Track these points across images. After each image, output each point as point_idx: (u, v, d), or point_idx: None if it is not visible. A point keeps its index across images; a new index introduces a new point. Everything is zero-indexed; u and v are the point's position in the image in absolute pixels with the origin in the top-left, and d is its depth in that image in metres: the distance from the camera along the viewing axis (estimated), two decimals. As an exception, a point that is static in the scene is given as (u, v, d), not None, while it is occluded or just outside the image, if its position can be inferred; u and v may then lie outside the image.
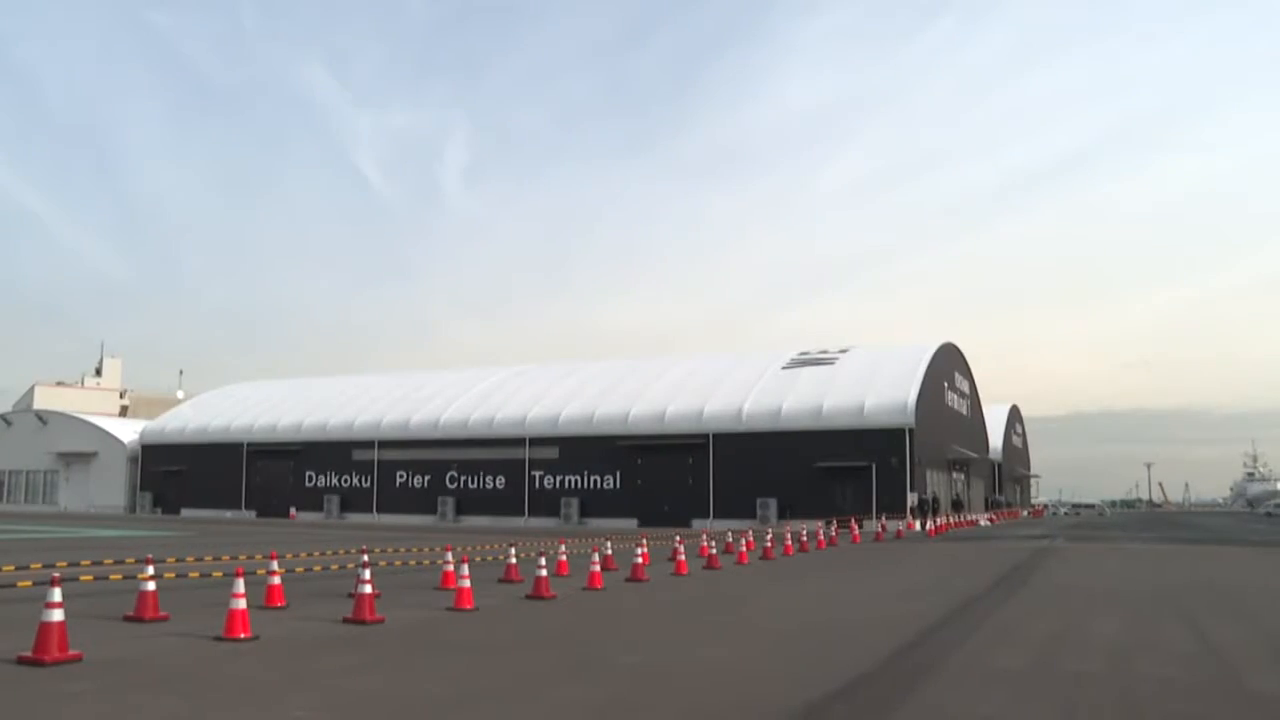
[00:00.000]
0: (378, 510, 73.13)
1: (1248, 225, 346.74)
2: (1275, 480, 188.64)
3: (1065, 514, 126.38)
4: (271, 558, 14.66)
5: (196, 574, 17.07)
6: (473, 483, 71.75)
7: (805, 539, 32.69)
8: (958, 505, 71.37)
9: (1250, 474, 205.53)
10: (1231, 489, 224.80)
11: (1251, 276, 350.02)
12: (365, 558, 13.60)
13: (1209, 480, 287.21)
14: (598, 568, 17.85)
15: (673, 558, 21.79)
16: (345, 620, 12.31)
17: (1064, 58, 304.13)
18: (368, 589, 12.55)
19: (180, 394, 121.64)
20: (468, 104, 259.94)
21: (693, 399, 67.71)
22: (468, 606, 13.85)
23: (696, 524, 57.96)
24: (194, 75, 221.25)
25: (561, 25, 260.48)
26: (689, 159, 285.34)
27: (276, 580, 13.92)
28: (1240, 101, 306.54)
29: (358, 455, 75.48)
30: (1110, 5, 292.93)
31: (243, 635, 10.73)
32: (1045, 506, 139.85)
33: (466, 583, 14.19)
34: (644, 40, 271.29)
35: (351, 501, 74.47)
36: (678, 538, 24.22)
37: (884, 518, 50.50)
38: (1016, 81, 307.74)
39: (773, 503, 60.61)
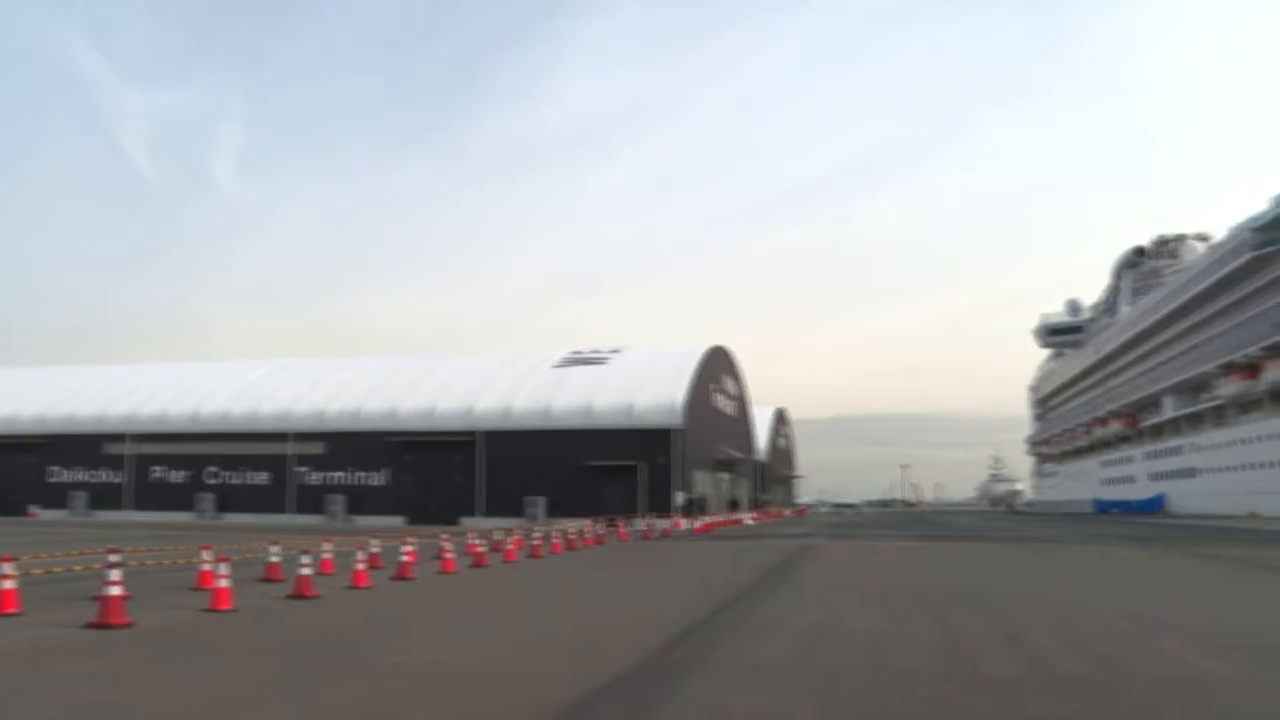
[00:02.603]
0: (131, 507, 69.55)
1: (994, 245, 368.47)
2: (1016, 481, 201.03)
3: (827, 513, 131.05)
4: (3, 560, 13.56)
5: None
6: (235, 478, 69.23)
7: (573, 537, 32.84)
8: (734, 504, 73.11)
9: (994, 475, 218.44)
10: (978, 489, 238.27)
11: (995, 293, 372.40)
12: (113, 557, 12.79)
13: (958, 481, 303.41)
14: (363, 566, 17.47)
15: (440, 556, 21.53)
16: (89, 625, 11.61)
17: (841, 76, 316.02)
18: (115, 590, 11.86)
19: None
20: (245, 87, 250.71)
21: (463, 396, 67.17)
22: (225, 607, 13.32)
23: (466, 522, 57.49)
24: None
25: (348, 12, 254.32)
26: (471, 156, 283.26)
27: (9, 584, 12.99)
28: (993, 130, 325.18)
29: (109, 449, 71.58)
30: (887, 31, 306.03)
31: (-31, 644, 9.99)
32: (808, 506, 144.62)
33: (225, 583, 13.63)
34: (432, 33, 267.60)
35: (102, 498, 70.47)
36: (445, 536, 23.93)
37: (652, 516, 51.19)
38: (794, 95, 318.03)
39: (542, 501, 60.71)
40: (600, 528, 38.96)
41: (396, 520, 61.12)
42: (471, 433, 64.65)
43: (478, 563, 22.89)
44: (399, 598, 15.86)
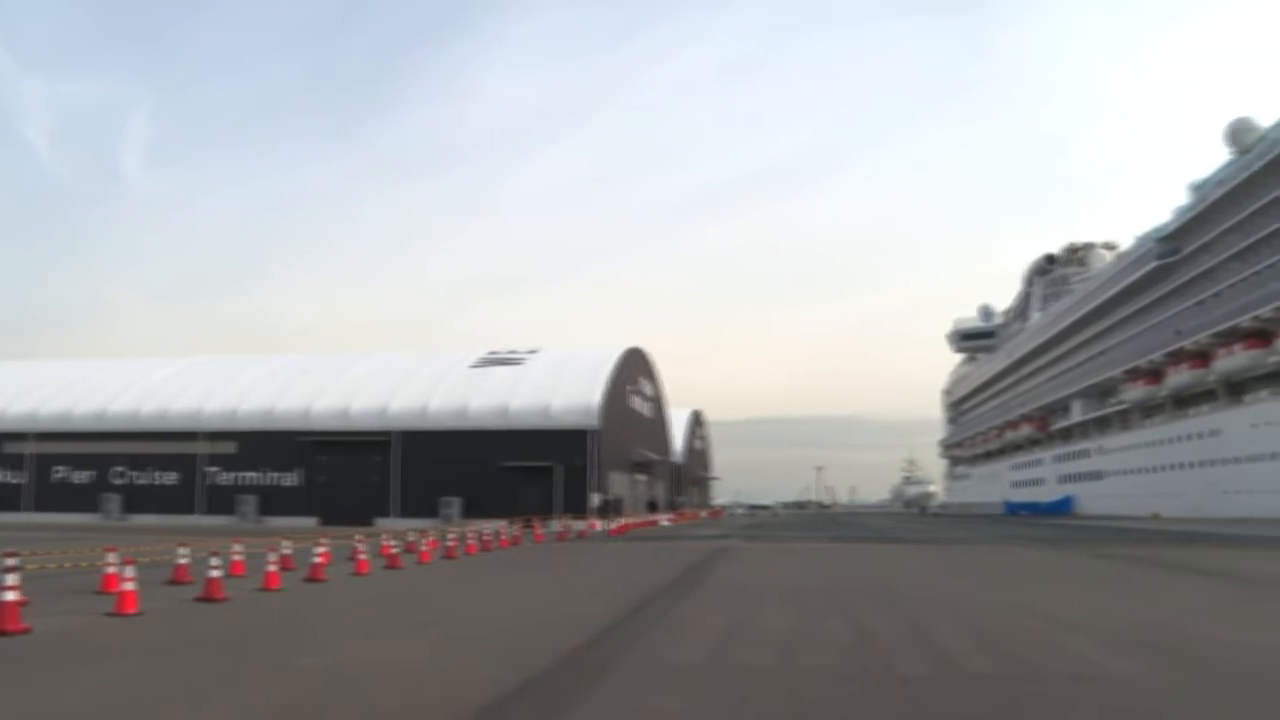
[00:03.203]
0: (31, 509, 67.74)
1: (909, 251, 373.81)
2: (929, 483, 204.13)
3: (742, 514, 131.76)
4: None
5: None
6: (142, 479, 67.80)
7: (488, 538, 32.67)
8: (652, 506, 73.23)
9: (908, 477, 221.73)
10: (891, 491, 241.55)
11: (910, 297, 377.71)
12: (10, 560, 12.35)
13: (873, 483, 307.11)
14: (274, 568, 17.19)
15: (353, 557, 21.27)
16: (-16, 630, 11.28)
17: (760, 79, 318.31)
18: (11, 596, 11.49)
19: None
20: (156, 78, 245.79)
21: (379, 395, 66.59)
22: (130, 611, 13.01)
23: (380, 523, 56.93)
24: None
25: (265, 2, 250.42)
26: (390, 152, 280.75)
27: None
28: (908, 136, 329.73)
29: (9, 448, 69.70)
30: (806, 37, 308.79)
31: None
32: (724, 507, 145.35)
33: (130, 586, 13.32)
34: (352, 25, 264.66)
35: (0, 499, 68.48)
36: (359, 536, 23.66)
37: (567, 517, 51.11)
38: (713, 98, 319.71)
39: (457, 501, 60.38)
40: (516, 529, 38.84)
41: (310, 521, 60.32)
42: (387, 433, 64.10)
43: (391, 564, 22.66)
44: (311, 600, 15.64)
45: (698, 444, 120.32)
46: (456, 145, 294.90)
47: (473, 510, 57.62)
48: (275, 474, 66.26)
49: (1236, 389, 73.71)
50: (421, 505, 60.73)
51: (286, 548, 20.80)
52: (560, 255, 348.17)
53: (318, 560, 19.23)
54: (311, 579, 18.49)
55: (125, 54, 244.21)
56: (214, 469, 67.04)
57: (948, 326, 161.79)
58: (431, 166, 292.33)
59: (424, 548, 25.96)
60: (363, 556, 21.15)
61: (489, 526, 35.68)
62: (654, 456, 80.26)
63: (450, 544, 28.00)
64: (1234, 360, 71.76)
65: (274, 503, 64.94)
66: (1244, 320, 68.99)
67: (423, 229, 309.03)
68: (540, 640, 10.96)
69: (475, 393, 65.41)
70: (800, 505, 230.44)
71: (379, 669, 9.22)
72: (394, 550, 23.53)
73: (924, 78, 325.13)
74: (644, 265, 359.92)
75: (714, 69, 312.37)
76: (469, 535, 31.37)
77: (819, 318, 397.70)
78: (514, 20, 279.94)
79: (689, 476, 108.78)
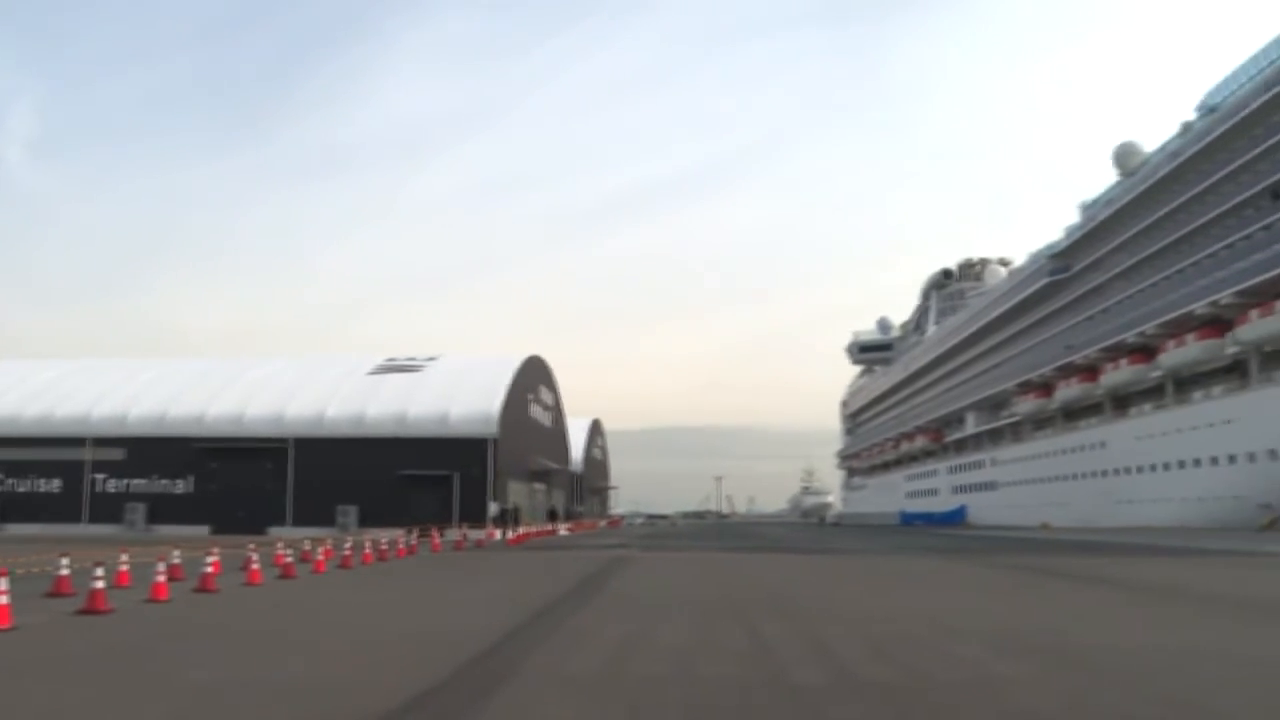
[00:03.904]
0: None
1: (810, 263, 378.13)
2: (826, 493, 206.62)
3: (641, 524, 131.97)
4: None
5: None
6: (21, 486, 65.60)
7: (385, 548, 32.26)
8: (552, 515, 73.05)
9: (805, 488, 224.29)
10: (789, 501, 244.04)
11: (807, 311, 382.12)
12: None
13: (771, 493, 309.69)
14: (162, 578, 16.73)
15: (246, 567, 20.83)
16: None
17: (661, 92, 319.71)
18: None
19: None
20: (42, 71, 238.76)
21: (274, 401, 65.46)
22: (4, 626, 12.54)
23: (274, 532, 55.86)
24: None
25: (162, 1, 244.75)
26: (287, 154, 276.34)
27: None
28: (808, 150, 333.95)
29: None
30: (709, 52, 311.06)
31: None
32: (622, 517, 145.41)
33: (4, 599, 12.83)
34: (252, 27, 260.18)
35: None
36: (252, 546, 23.18)
37: (465, 526, 50.72)
38: (615, 109, 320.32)
39: (354, 510, 59.65)
40: (413, 538, 38.43)
41: (201, 530, 58.99)
42: (282, 439, 63.04)
43: (285, 574, 22.24)
44: (201, 611, 15.26)
45: (597, 453, 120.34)
46: (355, 149, 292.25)
47: (370, 519, 56.96)
48: (166, 481, 64.70)
49: (1122, 402, 75.82)
50: (317, 514, 59.81)
51: (176, 557, 20.30)
52: (460, 262, 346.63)
53: (208, 570, 18.77)
54: (201, 589, 18.04)
55: (8, 48, 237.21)
56: (101, 476, 65.19)
57: (847, 339, 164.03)
58: (329, 170, 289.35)
59: (319, 557, 25.54)
60: (256, 566, 20.71)
61: (386, 535, 35.27)
62: (553, 465, 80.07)
63: (346, 553, 27.60)
64: (1119, 375, 73.83)
65: (164, 511, 63.37)
66: (1129, 336, 71.00)
67: (320, 232, 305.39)
68: (437, 650, 10.82)
69: (373, 400, 64.68)
70: (699, 515, 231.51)
71: (270, 682, 9.02)
72: (288, 560, 23.11)
73: (823, 96, 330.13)
74: (545, 273, 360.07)
75: (615, 81, 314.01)
76: (365, 544, 30.94)
77: (719, 329, 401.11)
78: (415, 27, 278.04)
79: (588, 485, 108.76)
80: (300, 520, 59.81)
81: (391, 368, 70.41)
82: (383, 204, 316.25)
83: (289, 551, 23.88)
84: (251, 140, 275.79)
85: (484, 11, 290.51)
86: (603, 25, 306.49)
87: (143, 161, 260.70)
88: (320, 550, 26.24)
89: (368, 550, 30.30)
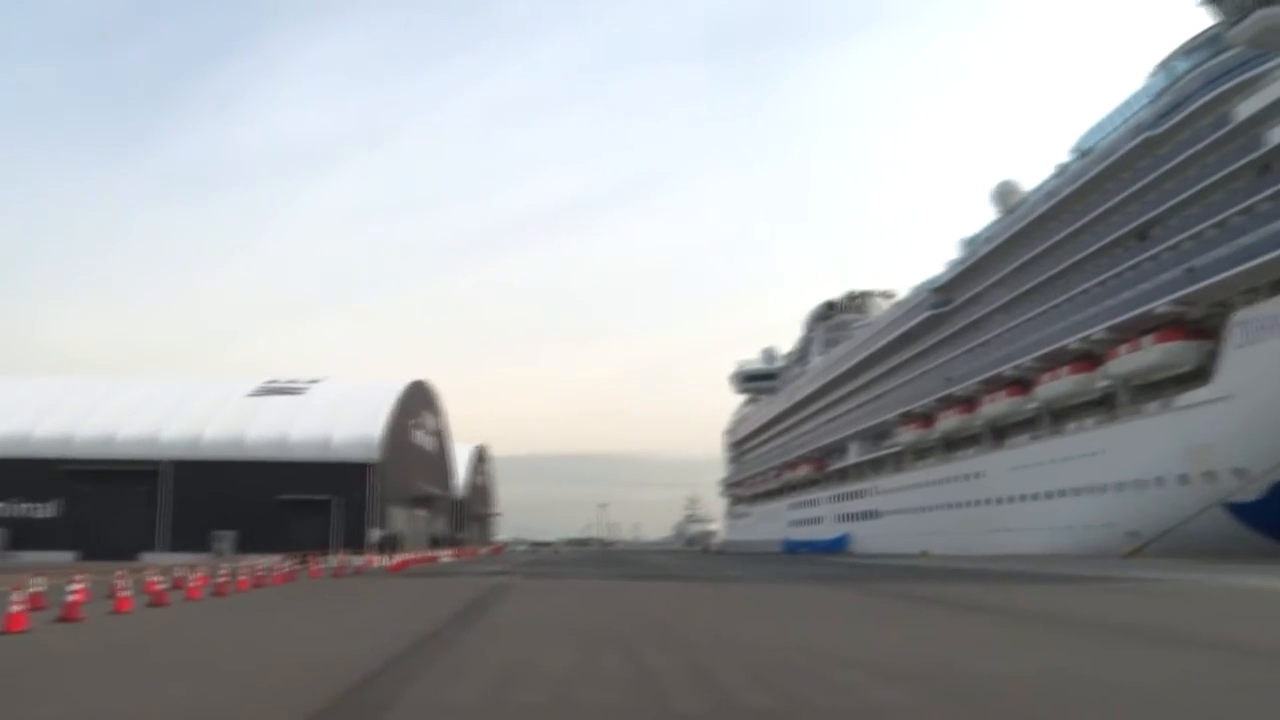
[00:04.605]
0: None
1: (697, 292, 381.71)
2: (710, 521, 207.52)
3: (524, 551, 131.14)
4: None
5: None
6: None
7: (262, 574, 31.51)
8: (435, 541, 72.16)
9: (690, 516, 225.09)
10: (674, 529, 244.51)
11: (693, 340, 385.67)
12: None
13: (655, 521, 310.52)
14: (21, 607, 16.00)
15: (114, 595, 20.10)
16: None
17: (554, 118, 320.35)
18: None
19: None
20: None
21: (149, 423, 63.64)
22: None
23: (147, 557, 54.24)
24: None
25: (33, 6, 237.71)
26: (166, 170, 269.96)
27: None
28: (698, 180, 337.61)
29: None
30: (601, 80, 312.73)
31: None
32: (505, 544, 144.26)
33: None
34: (131, 38, 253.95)
35: None
36: (121, 572, 22.40)
37: (346, 552, 49.85)
38: (506, 135, 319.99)
39: (231, 535, 58.31)
40: (292, 564, 37.62)
41: (67, 556, 56.90)
42: (156, 462, 61.30)
43: (157, 601, 21.52)
44: (63, 641, 14.67)
45: (480, 479, 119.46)
46: (237, 168, 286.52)
47: (247, 544, 55.67)
48: (29, 505, 62.32)
49: (999, 433, 77.61)
50: (193, 539, 58.25)
51: (38, 585, 19.50)
52: (343, 285, 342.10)
53: (73, 598, 18.06)
54: (65, 619, 17.35)
55: None
56: (-43, 500, 62.57)
57: (732, 368, 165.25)
58: (209, 187, 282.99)
59: (193, 583, 24.80)
60: (125, 594, 20.01)
61: (264, 561, 34.49)
62: (436, 491, 79.24)
63: (222, 580, 26.84)
64: (997, 407, 75.61)
65: (27, 536, 60.92)
66: (1007, 369, 72.80)
67: (200, 251, 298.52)
68: (313, 679, 10.55)
69: (253, 422, 63.33)
70: (583, 542, 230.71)
71: (135, 715, 8.68)
72: (160, 586, 22.38)
73: (713, 129, 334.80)
74: (430, 298, 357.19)
75: (505, 107, 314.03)
76: (242, 570, 30.17)
77: (607, 357, 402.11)
78: (303, 42, 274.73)
79: (471, 512, 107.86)
80: (175, 546, 58.16)
81: (273, 390, 69.06)
82: (266, 224, 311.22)
83: (161, 578, 23.15)
84: (129, 154, 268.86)
85: (376, 34, 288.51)
86: (494, 53, 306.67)
87: (13, 173, 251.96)
88: (195, 576, 25.48)
89: (245, 576, 29.56)
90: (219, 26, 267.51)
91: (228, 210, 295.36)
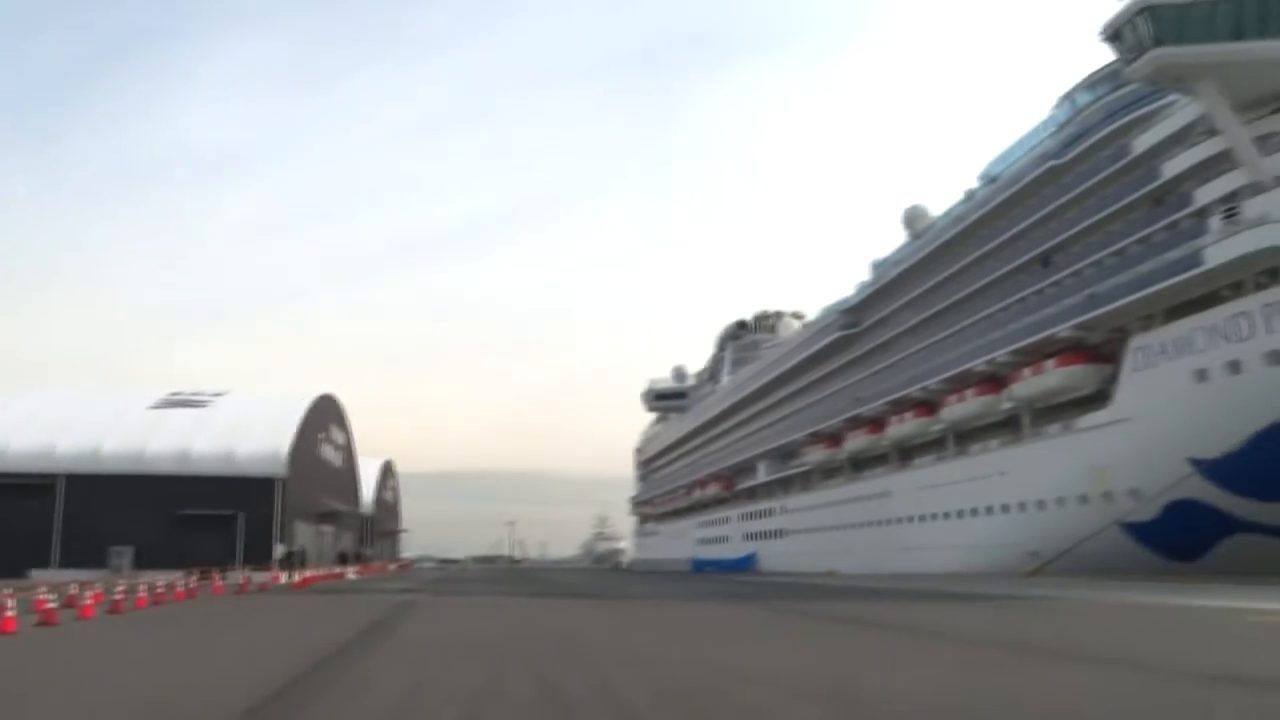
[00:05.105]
0: None
1: (604, 311, 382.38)
2: (619, 540, 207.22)
3: (432, 568, 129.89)
4: None
5: None
6: None
7: (162, 591, 30.74)
8: (343, 558, 71.14)
9: (599, 534, 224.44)
10: (582, 547, 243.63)
11: (604, 358, 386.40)
12: None
13: (564, 538, 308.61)
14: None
15: (-1, 613, 19.43)
16: None
17: (466, 133, 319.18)
18: None
19: None
20: None
21: (43, 433, 61.81)
22: None
23: (37, 575, 52.54)
24: None
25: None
26: (68, 175, 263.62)
27: None
28: (607, 197, 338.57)
29: None
30: (512, 97, 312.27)
31: None
32: (413, 561, 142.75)
33: None
34: (33, 37, 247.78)
35: None
36: (8, 590, 21.67)
37: (250, 569, 48.87)
38: (418, 150, 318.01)
39: (129, 551, 56.79)
40: (193, 581, 36.77)
41: (-50, 574, 54.89)
42: (51, 475, 59.54)
43: (45, 620, 20.84)
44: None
45: (388, 495, 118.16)
46: (141, 175, 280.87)
47: (147, 561, 54.27)
48: (-93, 520, 60.05)
49: (906, 454, 78.60)
50: (88, 555, 56.58)
51: (-84, 602, 18.79)
52: (252, 297, 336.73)
53: (-46, 616, 17.41)
54: (-54, 637, 16.72)
55: None
56: None
57: (643, 386, 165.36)
58: (115, 193, 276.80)
59: (87, 601, 24.06)
60: (10, 613, 19.33)
61: (164, 578, 33.68)
62: (342, 507, 78.15)
63: (118, 597, 26.10)
64: (904, 427, 76.57)
65: (-96, 554, 58.69)
66: (914, 390, 73.77)
67: (102, 259, 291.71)
68: (209, 701, 10.26)
69: (155, 435, 61.86)
70: (491, 560, 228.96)
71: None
72: (50, 605, 21.68)
73: (626, 146, 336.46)
74: (338, 312, 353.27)
75: (416, 122, 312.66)
76: (140, 588, 29.39)
77: (517, 373, 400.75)
78: (220, 49, 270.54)
79: (378, 528, 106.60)
80: (69, 562, 56.42)
81: (176, 402, 67.59)
82: (172, 233, 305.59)
83: (52, 596, 22.44)
84: (33, 156, 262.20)
85: (289, 44, 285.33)
86: (407, 65, 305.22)
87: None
88: (88, 594, 24.73)
89: (143, 594, 28.81)
90: (126, 29, 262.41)
91: (133, 217, 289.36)
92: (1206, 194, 46.37)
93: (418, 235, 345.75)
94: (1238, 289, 44.59)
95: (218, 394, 69.66)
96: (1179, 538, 46.95)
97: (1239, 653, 15.21)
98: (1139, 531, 48.72)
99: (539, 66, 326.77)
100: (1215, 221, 45.40)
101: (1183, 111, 48.52)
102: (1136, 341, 50.06)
